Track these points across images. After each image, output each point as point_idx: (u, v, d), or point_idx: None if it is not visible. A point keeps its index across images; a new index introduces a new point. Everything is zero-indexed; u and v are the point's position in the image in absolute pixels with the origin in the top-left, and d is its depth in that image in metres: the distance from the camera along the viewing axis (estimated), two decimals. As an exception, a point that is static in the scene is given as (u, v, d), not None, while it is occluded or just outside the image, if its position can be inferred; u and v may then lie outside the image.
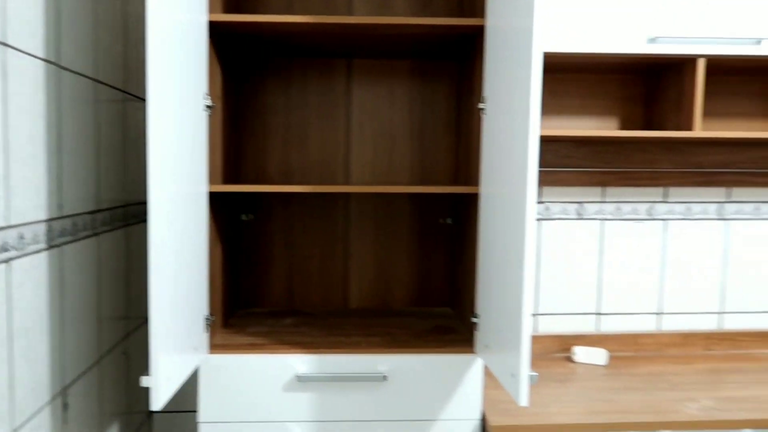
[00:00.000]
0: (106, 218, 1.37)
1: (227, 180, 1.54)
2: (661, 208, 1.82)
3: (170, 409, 1.79)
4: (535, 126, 1.02)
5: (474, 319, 1.38)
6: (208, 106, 1.29)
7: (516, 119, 1.10)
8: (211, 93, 1.35)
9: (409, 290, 1.79)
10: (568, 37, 1.45)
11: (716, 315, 1.88)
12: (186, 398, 1.79)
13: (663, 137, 1.52)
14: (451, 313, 1.73)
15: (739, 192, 1.83)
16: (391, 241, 1.77)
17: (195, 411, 1.79)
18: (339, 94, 1.72)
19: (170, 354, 1.10)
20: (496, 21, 1.23)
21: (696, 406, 1.43)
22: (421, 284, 1.78)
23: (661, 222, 1.83)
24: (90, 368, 1.30)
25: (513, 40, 1.12)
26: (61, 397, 1.17)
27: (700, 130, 1.47)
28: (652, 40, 1.43)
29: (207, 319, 1.34)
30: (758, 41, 1.44)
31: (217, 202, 1.44)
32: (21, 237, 1.00)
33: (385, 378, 1.37)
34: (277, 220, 1.75)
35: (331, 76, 1.71)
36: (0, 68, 0.94)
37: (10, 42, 0.97)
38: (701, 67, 1.46)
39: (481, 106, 1.32)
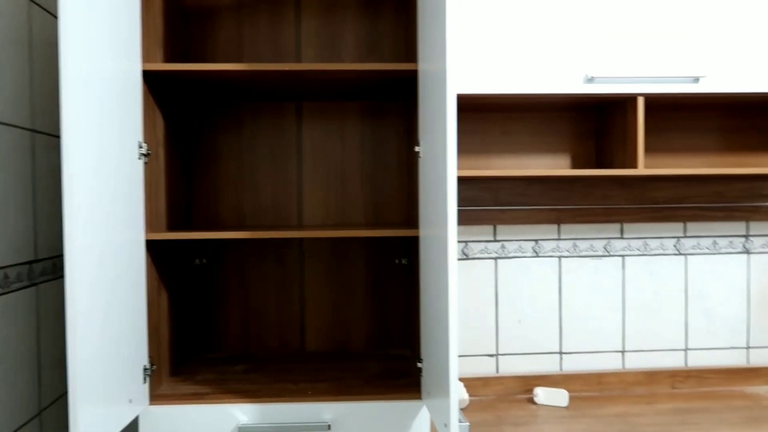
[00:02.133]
0: (47, 268, 1.36)
1: (175, 226, 1.54)
2: (618, 245, 1.81)
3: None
4: (452, 167, 1.02)
5: (419, 364, 1.36)
6: (143, 154, 1.30)
7: (439, 160, 1.10)
8: (151, 140, 1.35)
9: (367, 332, 1.76)
10: (507, 77, 1.46)
11: (681, 352, 1.85)
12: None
13: (609, 175, 1.52)
14: (409, 354, 1.70)
15: (695, 227, 1.82)
16: (347, 283, 1.75)
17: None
18: (290, 136, 1.73)
19: (94, 407, 1.08)
20: (424, 65, 1.25)
21: (651, 450, 1.39)
22: (379, 325, 1.76)
23: (619, 258, 1.81)
24: (29, 421, 1.27)
25: (434, 84, 1.13)
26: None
27: (644, 167, 1.48)
28: (590, 80, 1.44)
29: (146, 369, 1.32)
30: (696, 79, 1.45)
31: (161, 249, 1.43)
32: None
33: (329, 427, 1.34)
34: (231, 263, 1.73)
35: (282, 118, 1.73)
36: None
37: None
38: (641, 105, 1.47)
39: (417, 149, 1.32)
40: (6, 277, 1.19)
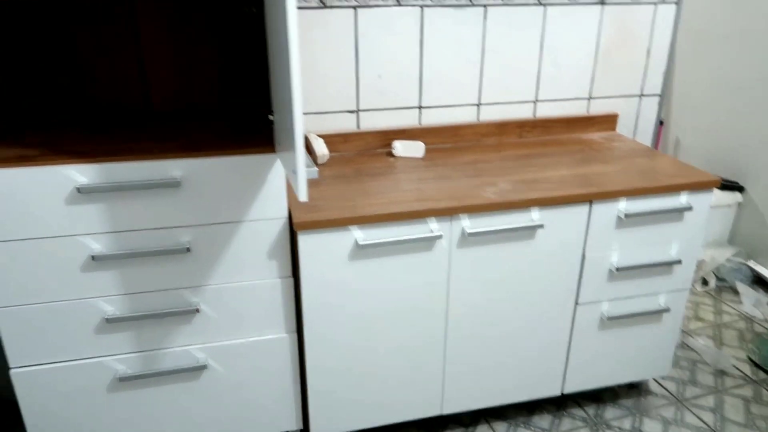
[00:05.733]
0: None
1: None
2: (481, -7, 1.74)
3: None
4: None
5: (271, 117, 1.30)
6: None
7: None
8: None
9: (217, 87, 1.63)
10: None
11: (531, 103, 1.93)
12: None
13: None
14: (262, 109, 1.63)
15: (556, -27, 1.78)
16: (192, 33, 1.56)
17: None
18: None
19: None
20: None
21: (493, 190, 1.51)
22: (229, 80, 1.63)
23: (481, 8, 1.76)
24: None
25: None
26: None
27: None
28: None
29: (-49, 131, 1.14)
30: None
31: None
32: None
33: (179, 184, 1.28)
34: (50, 9, 1.46)
35: None
36: None
37: None
38: None
39: None
40: None
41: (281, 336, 1.49)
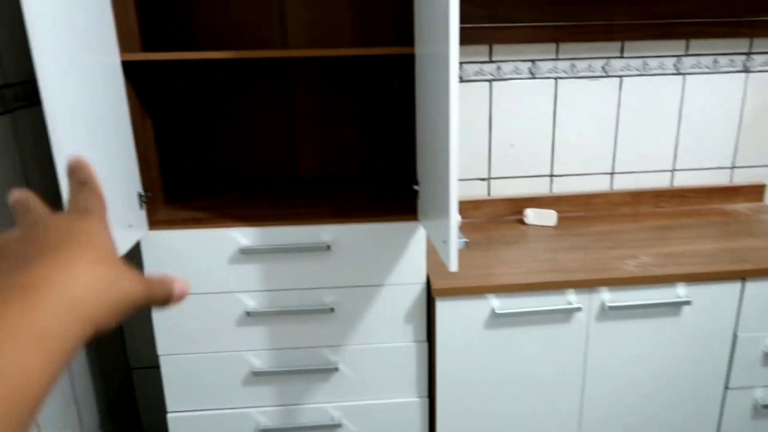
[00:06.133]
0: (19, 93, 1.28)
1: (149, 47, 1.43)
2: (617, 64, 1.74)
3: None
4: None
5: (415, 187, 1.36)
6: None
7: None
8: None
9: (360, 157, 1.75)
10: None
11: (668, 173, 1.88)
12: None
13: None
14: (402, 179, 1.71)
15: (697, 44, 1.75)
16: (338, 107, 1.69)
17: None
18: (270, -54, 1.55)
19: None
20: None
21: (634, 263, 1.47)
22: (372, 150, 1.74)
23: (617, 79, 1.76)
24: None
25: None
26: None
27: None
28: None
29: (141, 195, 1.31)
30: None
31: (138, 71, 1.34)
32: None
33: (328, 248, 1.37)
34: (216, 87, 1.65)
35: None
36: None
37: None
38: None
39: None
40: (-22, 102, 1.12)
41: (413, 400, 1.50)
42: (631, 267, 1.44)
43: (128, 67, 1.26)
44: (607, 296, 1.42)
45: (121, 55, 1.23)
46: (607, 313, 1.43)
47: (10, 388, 0.26)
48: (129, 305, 0.34)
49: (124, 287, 0.34)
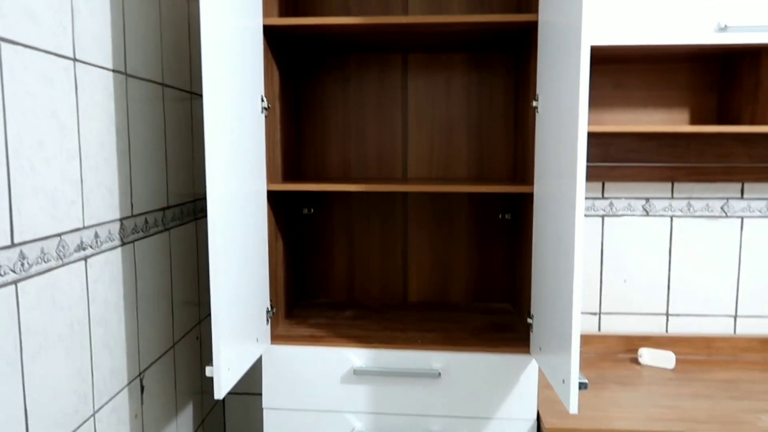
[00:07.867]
0: (176, 214, 1.46)
1: (287, 177, 1.60)
2: (737, 205, 1.72)
3: (241, 391, 1.88)
4: (583, 123, 1.00)
5: (529, 320, 1.37)
6: (264, 108, 1.34)
7: (565, 116, 1.07)
8: (269, 94, 1.40)
9: (467, 285, 1.78)
10: (631, 28, 1.39)
11: (800, 319, 1.75)
12: (257, 381, 1.87)
13: (737, 132, 1.43)
14: (511, 309, 1.72)
15: (826, 188, 1.70)
16: (449, 235, 1.77)
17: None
18: (396, 88, 1.73)
19: (231, 344, 1.17)
20: (547, 17, 1.20)
21: (767, 418, 1.35)
22: (480, 279, 1.78)
23: (737, 219, 1.72)
24: (165, 352, 1.40)
25: (562, 37, 1.09)
26: (139, 379, 1.27)
27: (779, 123, 1.38)
28: (722, 29, 1.34)
29: (268, 310, 1.41)
30: None
31: (277, 198, 1.49)
32: (96, 236, 1.09)
33: (439, 375, 1.38)
34: (337, 213, 1.79)
35: (388, 70, 1.73)
36: (72, 82, 1.02)
37: (79, 57, 1.05)
38: (780, 56, 1.37)
39: (534, 104, 1.29)
40: (146, 222, 1.29)
41: None
42: (765, 423, 1.33)
43: (270, 196, 1.42)
44: (740, 454, 1.30)
45: (268, 185, 1.39)
46: (741, 473, 1.30)
47: None
48: None
49: None
